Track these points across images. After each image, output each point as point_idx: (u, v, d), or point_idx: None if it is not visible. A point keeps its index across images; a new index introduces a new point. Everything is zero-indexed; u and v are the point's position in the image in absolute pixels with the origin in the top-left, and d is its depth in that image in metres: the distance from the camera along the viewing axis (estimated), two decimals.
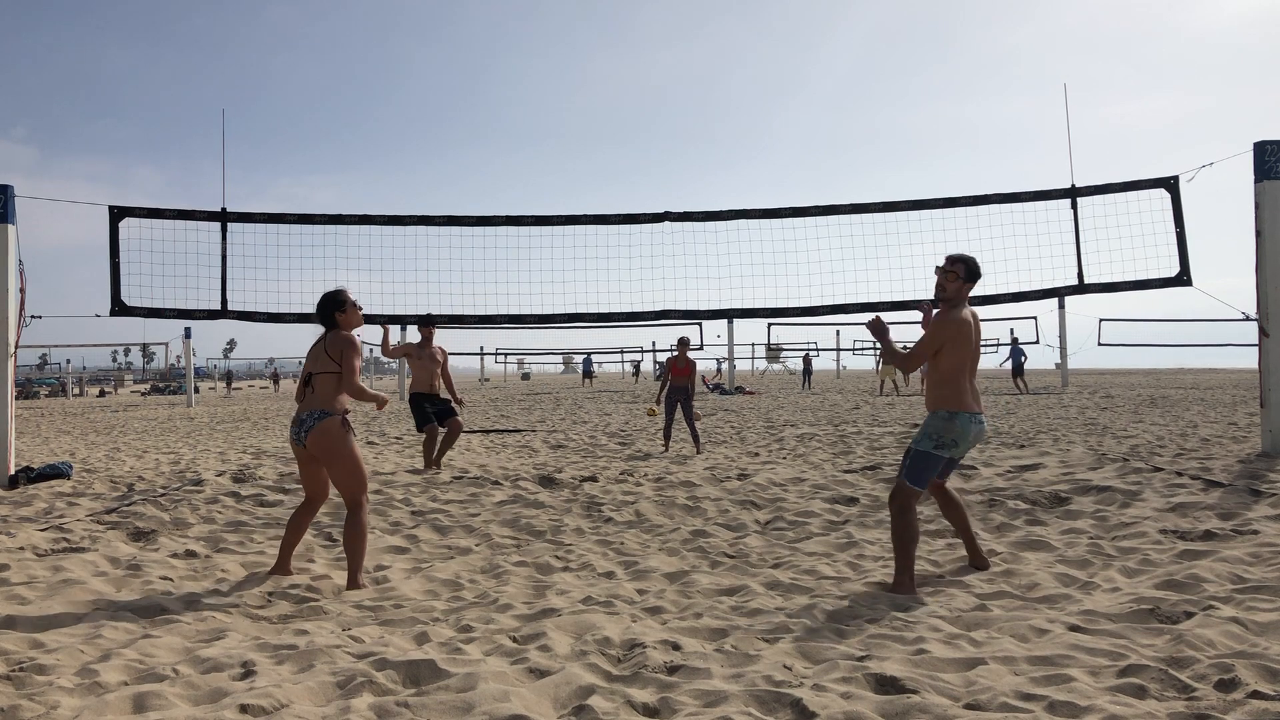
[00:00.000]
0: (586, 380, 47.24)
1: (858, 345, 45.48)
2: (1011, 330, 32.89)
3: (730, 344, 31.79)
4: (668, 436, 11.52)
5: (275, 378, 56.70)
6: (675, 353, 11.45)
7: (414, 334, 10.44)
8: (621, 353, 49.20)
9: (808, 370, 38.13)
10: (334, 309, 4.83)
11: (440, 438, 9.47)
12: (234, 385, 62.41)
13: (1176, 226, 9.28)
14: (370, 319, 10.00)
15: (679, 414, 11.43)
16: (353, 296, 4.92)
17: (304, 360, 4.93)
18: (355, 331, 4.93)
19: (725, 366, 44.86)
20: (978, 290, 4.90)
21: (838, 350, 44.92)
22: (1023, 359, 28.82)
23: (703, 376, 44.38)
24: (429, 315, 9.66)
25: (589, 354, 46.66)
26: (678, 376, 11.38)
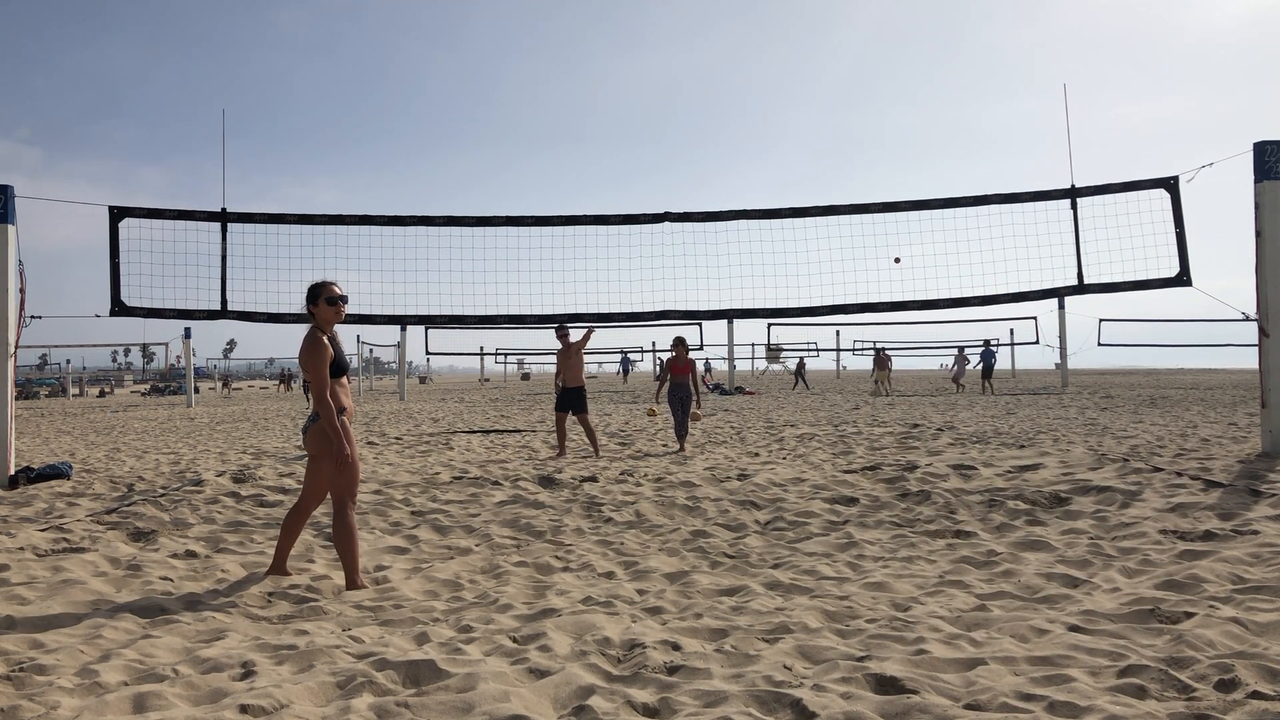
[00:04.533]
0: (622, 378, 47.44)
1: (858, 345, 45.57)
2: (1012, 332, 32.97)
3: (730, 344, 31.80)
4: (681, 438, 11.40)
5: (284, 378, 56.60)
6: (673, 353, 11.48)
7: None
8: (622, 352, 49.20)
9: (800, 372, 38.45)
10: (307, 299, 4.72)
11: (583, 431, 11.26)
12: (234, 386, 62.45)
13: (1176, 227, 9.28)
14: (371, 319, 10.02)
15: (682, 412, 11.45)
16: (338, 290, 4.74)
17: None
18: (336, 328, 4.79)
19: (714, 366, 44.88)
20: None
21: (838, 350, 44.97)
22: (993, 361, 29.05)
23: (703, 376, 44.57)
24: (564, 319, 10.70)
25: (626, 353, 46.61)
26: (678, 375, 11.40)
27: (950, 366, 30.93)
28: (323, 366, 4.58)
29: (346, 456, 4.60)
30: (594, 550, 5.63)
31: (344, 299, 4.79)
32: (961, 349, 31.50)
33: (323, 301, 4.71)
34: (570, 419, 11.24)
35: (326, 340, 4.66)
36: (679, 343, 11.41)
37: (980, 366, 29.22)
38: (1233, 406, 17.86)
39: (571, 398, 11.01)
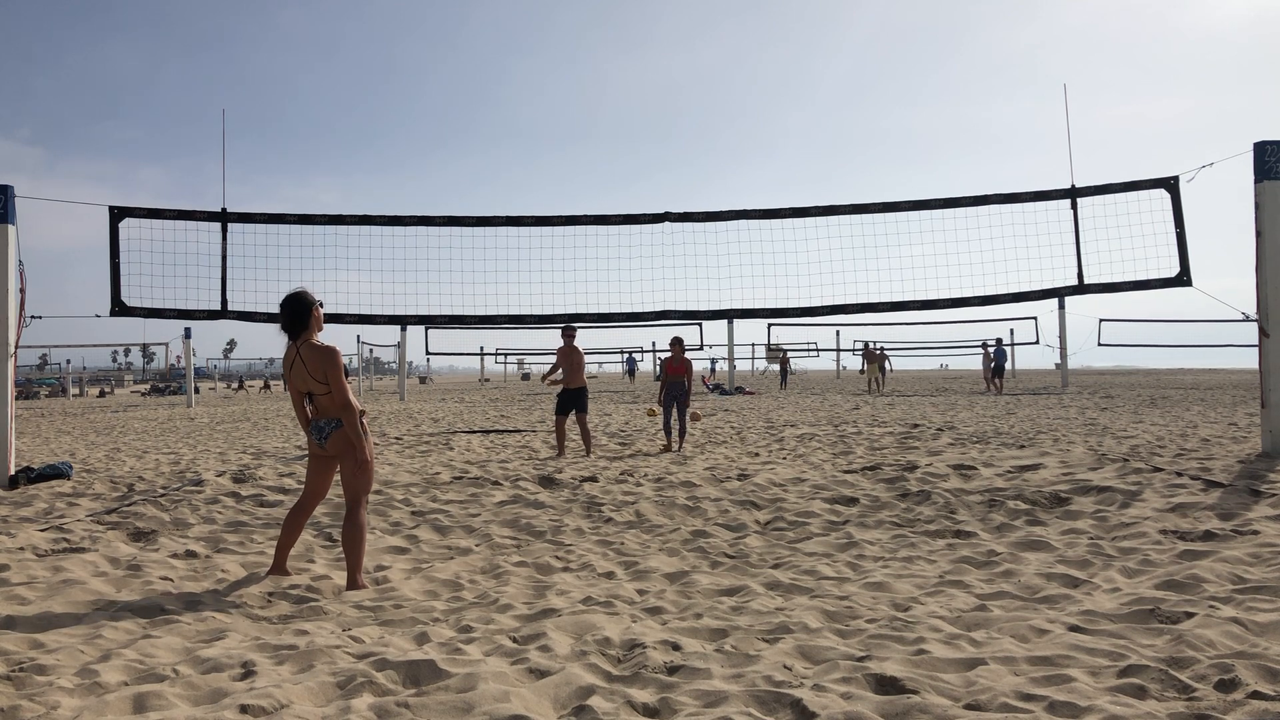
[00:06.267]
0: (629, 378, 47.46)
1: (857, 346, 45.59)
2: (1011, 331, 32.94)
3: (730, 344, 31.79)
4: (669, 433, 11.59)
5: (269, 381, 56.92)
6: (670, 352, 11.55)
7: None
8: (621, 352, 49.23)
9: (784, 370, 38.55)
10: (306, 310, 4.68)
11: (579, 433, 11.10)
12: (232, 385, 62.71)
13: (1176, 227, 9.28)
14: (371, 319, 10.02)
15: (675, 410, 11.53)
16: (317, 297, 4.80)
17: (284, 371, 4.84)
18: (322, 337, 4.79)
19: (720, 366, 44.82)
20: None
21: (838, 350, 44.94)
22: (1004, 361, 28.93)
23: (703, 377, 44.57)
24: (569, 318, 10.73)
25: (631, 353, 46.61)
26: (673, 374, 11.46)
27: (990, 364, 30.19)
28: (343, 375, 4.67)
29: (369, 459, 4.72)
30: (594, 550, 5.63)
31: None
32: (985, 343, 30.93)
33: (319, 310, 4.81)
34: (569, 420, 11.23)
35: None
36: (676, 343, 11.47)
37: (991, 365, 29.12)
38: (1233, 406, 17.86)
39: (573, 399, 10.99)
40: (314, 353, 4.66)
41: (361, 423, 4.70)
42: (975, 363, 31.96)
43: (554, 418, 11.32)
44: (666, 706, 2.95)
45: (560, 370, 11.27)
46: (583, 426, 11.00)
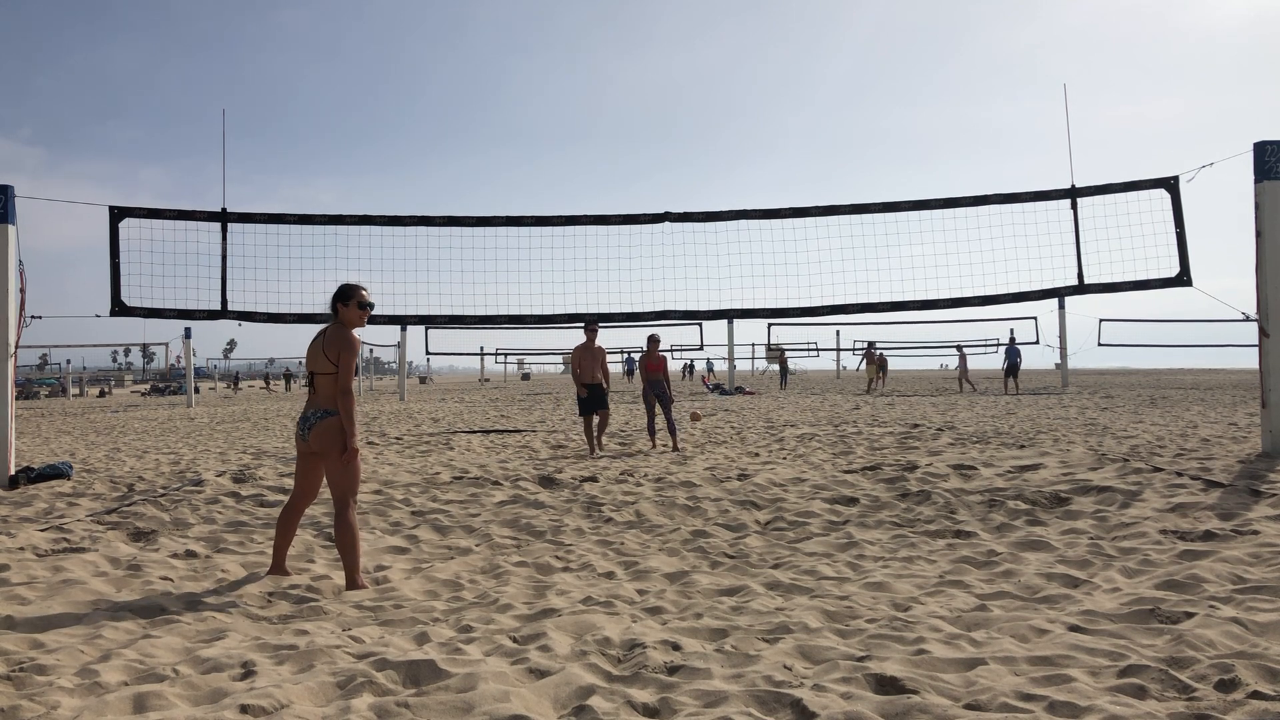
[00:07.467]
0: (629, 378, 47.46)
1: (857, 346, 45.61)
2: (1011, 331, 32.94)
3: (730, 344, 31.79)
4: (652, 433, 11.74)
5: (286, 377, 56.94)
6: (646, 350, 11.58)
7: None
8: (621, 351, 49.25)
9: (784, 370, 38.55)
10: (338, 299, 4.80)
11: (596, 424, 11.14)
12: (234, 385, 62.79)
13: (1176, 227, 9.28)
14: (371, 319, 10.02)
15: (658, 409, 11.58)
16: (368, 297, 4.85)
17: (305, 358, 4.95)
18: (356, 332, 4.89)
19: (715, 365, 44.60)
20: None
21: (838, 350, 44.94)
22: (1018, 360, 28.87)
23: (703, 377, 44.60)
24: (594, 318, 10.71)
25: (631, 353, 46.53)
26: (652, 373, 11.49)
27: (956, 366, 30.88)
28: (353, 364, 4.72)
29: (357, 450, 4.69)
30: (594, 550, 5.63)
31: (372, 306, 4.90)
32: (960, 346, 31.56)
33: (354, 304, 4.81)
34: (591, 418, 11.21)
35: None
36: (653, 341, 11.49)
37: (1005, 365, 29.08)
38: (1233, 406, 17.86)
39: (598, 397, 10.94)
40: (338, 332, 4.74)
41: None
42: (979, 362, 32.08)
43: (581, 419, 11.36)
44: (666, 706, 2.95)
45: (583, 368, 11.03)
46: (601, 422, 11.05)
